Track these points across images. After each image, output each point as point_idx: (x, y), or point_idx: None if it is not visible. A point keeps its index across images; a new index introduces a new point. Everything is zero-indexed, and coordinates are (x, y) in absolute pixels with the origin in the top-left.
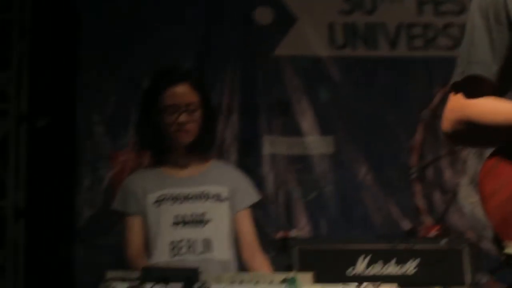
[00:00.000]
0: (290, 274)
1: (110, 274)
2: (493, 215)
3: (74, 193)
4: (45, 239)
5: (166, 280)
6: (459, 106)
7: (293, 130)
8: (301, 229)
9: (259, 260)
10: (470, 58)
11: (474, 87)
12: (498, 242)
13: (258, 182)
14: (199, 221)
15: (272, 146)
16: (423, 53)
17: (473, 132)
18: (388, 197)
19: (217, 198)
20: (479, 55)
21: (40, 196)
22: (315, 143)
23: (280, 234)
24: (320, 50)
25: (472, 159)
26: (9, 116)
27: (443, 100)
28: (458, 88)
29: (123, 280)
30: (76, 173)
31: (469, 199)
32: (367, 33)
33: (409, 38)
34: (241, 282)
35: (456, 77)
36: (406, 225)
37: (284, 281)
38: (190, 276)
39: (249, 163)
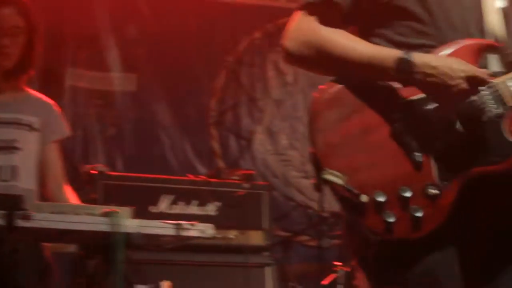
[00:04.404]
0: (111, 208)
1: None
2: (319, 139)
3: None
4: None
5: None
6: (311, 29)
7: (97, 65)
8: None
9: (67, 193)
10: None
11: (326, 12)
12: (317, 166)
13: None
14: (9, 147)
15: (75, 79)
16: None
17: (320, 59)
18: (185, 139)
19: (29, 127)
20: None
21: None
22: (118, 80)
23: (85, 168)
24: None
25: (270, 108)
26: None
27: (248, 47)
28: (309, 9)
29: None
30: None
31: (262, 147)
32: None
33: None
34: (61, 212)
35: None
36: (200, 167)
37: (105, 214)
38: (14, 203)
39: (49, 94)
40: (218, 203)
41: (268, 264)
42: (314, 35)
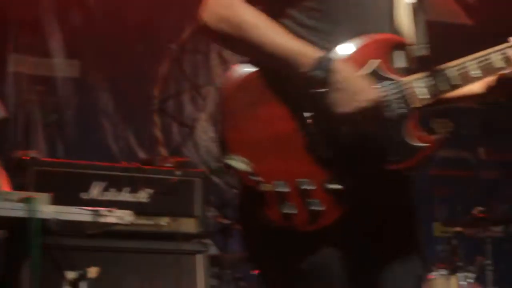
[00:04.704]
0: (29, 194)
1: None
2: (227, 122)
3: None
4: None
5: None
6: (231, 5)
7: (40, 51)
8: (39, 151)
9: (0, 176)
10: None
11: None
12: (223, 149)
13: None
14: None
15: (17, 64)
16: None
17: (235, 37)
18: (127, 126)
19: None
20: None
21: None
22: (61, 66)
23: (17, 154)
24: None
25: (213, 96)
26: None
27: (192, 35)
28: None
29: None
30: None
31: (205, 135)
32: None
33: None
34: None
35: None
36: (142, 154)
37: (22, 200)
38: None
39: None
40: (150, 190)
41: (199, 252)
42: (233, 12)
